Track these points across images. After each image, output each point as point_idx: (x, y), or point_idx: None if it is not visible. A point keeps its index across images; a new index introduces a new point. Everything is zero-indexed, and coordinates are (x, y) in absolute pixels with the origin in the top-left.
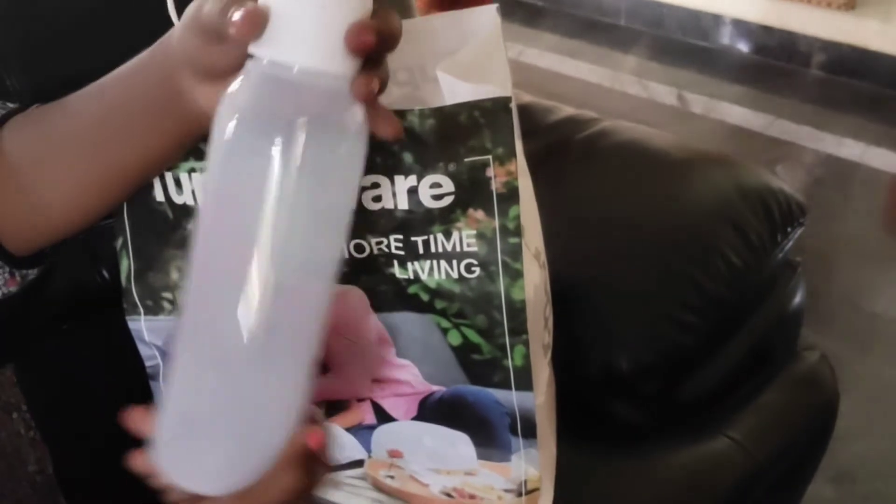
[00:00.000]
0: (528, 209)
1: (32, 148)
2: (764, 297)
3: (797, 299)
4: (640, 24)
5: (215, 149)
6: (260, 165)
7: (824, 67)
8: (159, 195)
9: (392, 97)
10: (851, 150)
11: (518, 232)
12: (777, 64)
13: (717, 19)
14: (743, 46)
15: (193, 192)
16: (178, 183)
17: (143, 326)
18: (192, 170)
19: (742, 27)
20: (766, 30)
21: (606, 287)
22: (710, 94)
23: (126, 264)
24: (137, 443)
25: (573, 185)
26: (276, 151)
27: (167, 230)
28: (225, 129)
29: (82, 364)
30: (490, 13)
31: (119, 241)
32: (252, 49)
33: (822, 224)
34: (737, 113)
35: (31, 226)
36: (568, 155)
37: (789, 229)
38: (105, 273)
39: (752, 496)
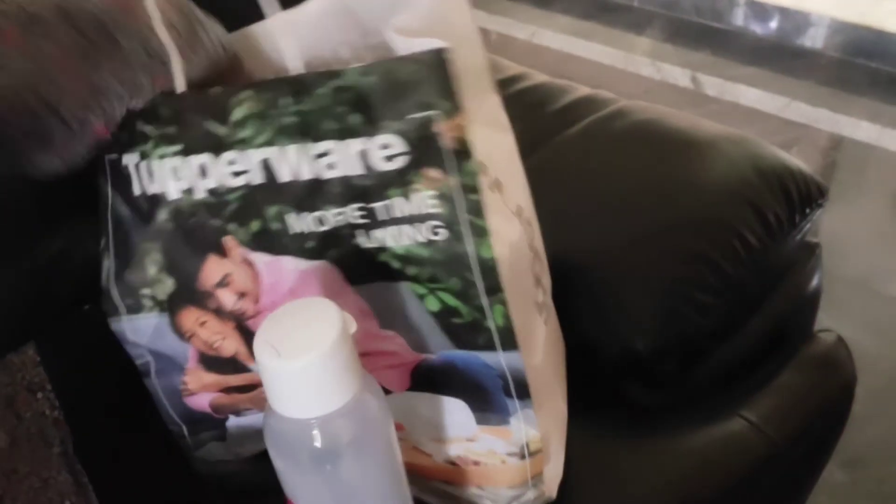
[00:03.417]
0: (508, 165)
1: None
2: (781, 279)
3: (815, 281)
4: (653, 6)
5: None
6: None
7: (840, 49)
8: (136, 189)
9: (366, 62)
10: (868, 132)
11: (477, 188)
12: (792, 45)
13: (731, 0)
14: (758, 28)
15: (163, 179)
16: (150, 172)
17: (125, 327)
18: (163, 155)
19: (757, 8)
20: (782, 11)
21: (622, 267)
22: (724, 76)
23: (106, 265)
24: (160, 422)
25: (589, 165)
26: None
27: (142, 223)
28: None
29: (104, 343)
30: None
31: (102, 243)
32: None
33: (837, 207)
34: (751, 95)
35: None
36: (584, 134)
37: (808, 210)
38: None
39: (768, 478)
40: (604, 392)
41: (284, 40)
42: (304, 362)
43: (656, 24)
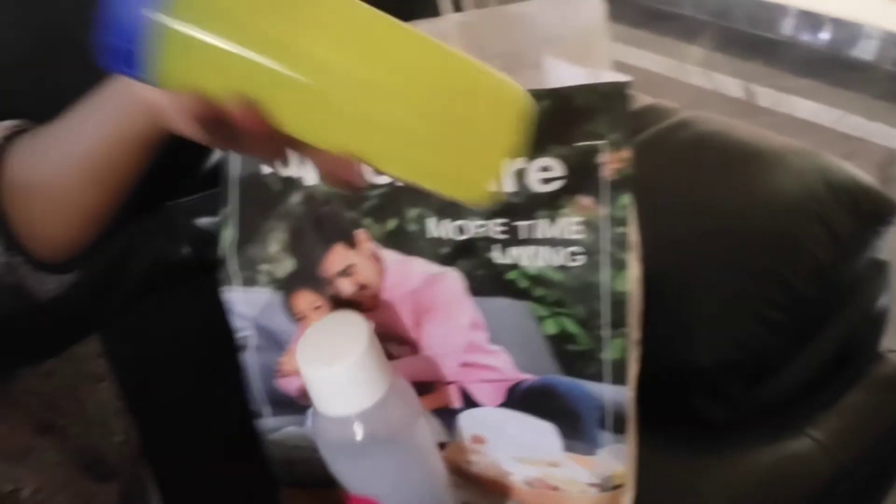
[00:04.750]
0: None
1: (43, 170)
2: (851, 296)
3: (883, 299)
4: (705, 14)
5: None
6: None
7: (895, 62)
8: (266, 167)
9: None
10: None
11: (626, 221)
12: (848, 57)
13: (784, 10)
14: (812, 39)
15: (300, 165)
16: None
17: (237, 298)
18: None
19: (812, 19)
20: (837, 22)
21: (690, 281)
22: (778, 87)
23: (228, 234)
24: (225, 413)
25: (654, 177)
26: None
27: (271, 202)
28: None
29: (171, 335)
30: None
31: (225, 211)
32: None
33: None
34: (806, 107)
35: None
36: (649, 145)
37: (878, 227)
38: (187, 248)
39: (835, 498)
40: (670, 408)
41: (453, 40)
42: (342, 366)
43: (707, 33)
